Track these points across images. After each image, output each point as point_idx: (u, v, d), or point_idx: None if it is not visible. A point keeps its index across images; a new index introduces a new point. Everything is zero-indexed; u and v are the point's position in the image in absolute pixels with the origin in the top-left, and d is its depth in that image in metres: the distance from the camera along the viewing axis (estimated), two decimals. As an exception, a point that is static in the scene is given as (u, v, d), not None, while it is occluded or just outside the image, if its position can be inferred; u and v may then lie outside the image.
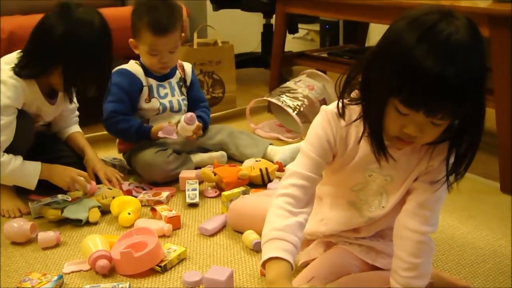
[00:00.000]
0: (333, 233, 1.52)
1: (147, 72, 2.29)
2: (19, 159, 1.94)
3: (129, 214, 1.89)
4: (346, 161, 1.39)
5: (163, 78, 2.33)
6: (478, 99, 1.17)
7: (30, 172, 1.96)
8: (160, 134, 2.19)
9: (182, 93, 2.39)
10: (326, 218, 1.52)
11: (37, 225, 1.85)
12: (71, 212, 1.90)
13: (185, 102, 2.39)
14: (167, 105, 2.31)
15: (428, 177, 1.35)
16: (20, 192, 2.05)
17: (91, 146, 2.25)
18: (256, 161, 2.26)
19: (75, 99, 2.23)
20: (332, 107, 1.36)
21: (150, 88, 2.28)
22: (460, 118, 1.21)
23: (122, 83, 2.24)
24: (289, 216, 1.31)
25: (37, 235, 1.80)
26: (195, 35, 3.12)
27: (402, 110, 1.17)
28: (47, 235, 1.79)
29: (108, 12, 2.56)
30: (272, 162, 2.30)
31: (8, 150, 1.93)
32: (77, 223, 1.90)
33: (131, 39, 2.27)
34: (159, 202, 2.02)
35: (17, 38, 2.57)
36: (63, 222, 1.91)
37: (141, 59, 2.30)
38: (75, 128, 2.29)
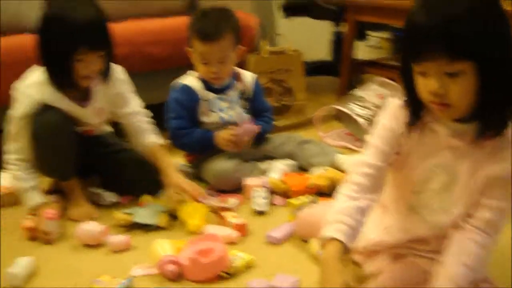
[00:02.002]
0: (398, 243, 1.49)
1: (206, 86, 2.29)
2: (29, 182, 1.99)
3: (196, 220, 1.91)
4: (411, 152, 1.40)
5: (222, 91, 2.32)
6: (483, 46, 1.19)
7: (27, 199, 1.99)
8: (239, 131, 2.20)
9: (242, 106, 2.38)
10: (389, 226, 1.50)
11: (108, 228, 1.89)
12: (140, 217, 1.94)
13: (246, 114, 2.37)
14: (227, 118, 2.31)
15: (499, 192, 1.32)
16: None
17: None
18: (324, 170, 2.23)
19: (138, 103, 2.20)
20: (398, 99, 1.40)
21: (209, 102, 2.28)
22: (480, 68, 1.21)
23: (180, 98, 2.26)
24: (348, 200, 1.37)
25: (108, 238, 1.84)
26: (265, 43, 3.13)
27: (416, 68, 1.26)
28: (117, 239, 1.83)
29: (180, 21, 2.62)
30: (340, 170, 2.28)
31: (51, 154, 2.00)
32: (147, 228, 1.93)
33: (187, 48, 2.27)
34: (227, 209, 2.03)
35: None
36: (134, 227, 1.95)
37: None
38: (151, 138, 2.18)
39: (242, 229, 1.87)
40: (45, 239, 1.90)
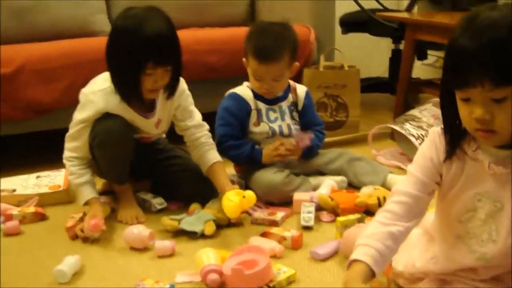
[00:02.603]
0: (445, 271, 1.45)
1: (257, 96, 2.29)
2: (82, 178, 2.04)
3: (233, 203, 1.90)
4: (453, 181, 1.37)
5: (273, 101, 2.32)
6: None
7: (80, 194, 2.06)
8: (298, 139, 2.22)
9: (293, 117, 2.37)
10: (435, 256, 1.46)
11: (155, 233, 1.91)
12: (187, 224, 1.95)
13: (296, 126, 2.37)
14: (277, 129, 2.31)
15: None
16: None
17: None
18: (375, 189, 2.21)
19: (200, 116, 2.23)
20: (440, 126, 1.38)
21: (259, 111, 2.29)
22: None
23: (230, 106, 2.27)
24: (379, 226, 1.36)
25: (154, 243, 1.86)
26: (322, 57, 3.12)
27: (458, 95, 1.23)
28: (163, 244, 1.85)
29: (240, 31, 2.64)
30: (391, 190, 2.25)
31: (110, 159, 2.06)
32: (193, 235, 1.94)
33: (244, 59, 2.28)
34: (274, 222, 2.03)
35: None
36: (180, 233, 1.96)
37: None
38: (212, 156, 2.17)
39: (297, 241, 1.87)
40: (84, 238, 1.95)
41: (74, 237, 1.97)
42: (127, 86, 1.97)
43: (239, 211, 1.93)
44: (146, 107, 2.09)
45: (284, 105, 2.35)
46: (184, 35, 2.68)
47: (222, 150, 2.24)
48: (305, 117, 2.41)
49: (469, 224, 1.37)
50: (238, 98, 2.28)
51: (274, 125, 2.31)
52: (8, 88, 2.47)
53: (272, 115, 2.31)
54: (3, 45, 2.62)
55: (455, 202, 1.38)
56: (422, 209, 1.39)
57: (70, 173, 2.07)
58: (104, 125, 2.00)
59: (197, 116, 2.22)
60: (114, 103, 2.00)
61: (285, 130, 2.32)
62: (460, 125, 1.29)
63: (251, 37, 2.23)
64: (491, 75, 1.15)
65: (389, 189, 2.25)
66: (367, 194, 2.15)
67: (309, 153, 2.36)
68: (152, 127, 2.14)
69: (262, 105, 2.30)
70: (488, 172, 1.31)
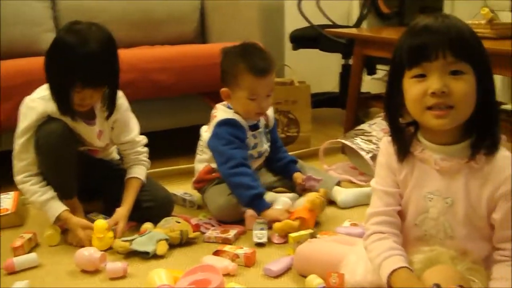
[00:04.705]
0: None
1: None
2: (46, 194, 2.01)
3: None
4: (405, 184, 1.42)
5: (256, 127, 2.30)
6: (478, 54, 1.29)
7: (49, 211, 2.02)
8: (306, 182, 2.21)
9: (268, 140, 2.37)
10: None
11: (106, 255, 1.89)
12: (139, 245, 1.93)
13: (269, 148, 2.39)
14: (256, 155, 2.31)
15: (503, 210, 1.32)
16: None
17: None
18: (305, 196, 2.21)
19: (138, 134, 2.22)
20: (389, 135, 1.44)
21: (247, 140, 2.27)
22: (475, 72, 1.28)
23: (234, 132, 2.20)
24: (382, 243, 1.40)
25: (105, 265, 1.83)
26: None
27: (412, 73, 1.29)
28: (115, 266, 1.82)
29: (189, 49, 2.64)
30: (335, 202, 2.32)
31: (54, 164, 2.00)
32: (145, 256, 1.92)
33: (223, 89, 2.23)
34: (227, 240, 2.02)
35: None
36: (132, 254, 1.94)
37: (234, 108, 2.25)
38: (134, 171, 2.20)
39: (250, 258, 1.87)
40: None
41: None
42: (59, 97, 1.97)
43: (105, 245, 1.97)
44: (87, 115, 2.08)
45: (261, 129, 2.34)
46: (134, 54, 2.68)
47: (238, 173, 2.14)
48: (273, 135, 2.42)
49: (423, 226, 1.42)
50: (237, 125, 2.22)
51: (254, 151, 2.30)
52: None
53: (253, 142, 2.29)
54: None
55: (408, 205, 1.43)
56: (399, 219, 1.44)
57: (31, 193, 2.02)
58: (45, 127, 1.98)
59: (134, 132, 2.22)
60: (54, 107, 1.99)
61: (263, 154, 2.34)
62: (406, 128, 1.38)
63: (236, 60, 2.20)
64: (453, 47, 1.25)
65: (333, 199, 2.33)
66: (300, 208, 2.13)
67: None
68: (94, 136, 2.12)
69: (249, 133, 2.27)
70: (434, 168, 1.36)
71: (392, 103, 1.38)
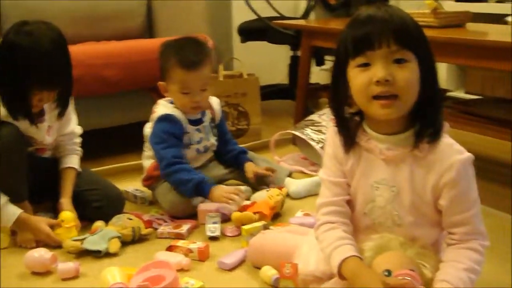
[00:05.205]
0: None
1: (186, 118, 2.25)
2: (2, 198, 1.95)
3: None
4: (351, 174, 1.44)
5: (198, 121, 2.29)
6: (421, 42, 1.32)
7: (5, 216, 1.97)
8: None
9: (214, 134, 2.37)
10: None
11: (57, 255, 1.86)
12: (90, 243, 1.90)
13: (217, 142, 2.38)
14: (202, 150, 2.31)
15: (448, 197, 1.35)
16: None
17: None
18: (267, 191, 2.24)
19: (77, 125, 2.22)
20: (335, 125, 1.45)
21: (189, 135, 2.26)
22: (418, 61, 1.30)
23: (169, 129, 2.20)
24: (332, 233, 1.41)
25: (57, 265, 1.80)
26: (221, 67, 3.14)
27: (359, 60, 1.30)
28: (66, 266, 1.79)
29: (136, 44, 2.61)
30: (287, 193, 2.32)
31: (5, 168, 1.95)
32: (97, 254, 1.90)
33: (160, 82, 2.24)
34: (180, 235, 2.02)
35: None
36: (83, 253, 1.91)
37: (174, 102, 2.25)
38: (70, 161, 2.20)
39: (204, 252, 1.86)
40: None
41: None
42: (13, 102, 1.94)
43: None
44: (37, 112, 2.05)
45: (207, 123, 2.33)
46: (80, 50, 2.63)
47: (172, 172, 2.17)
48: (221, 129, 2.42)
49: (372, 215, 1.44)
50: (173, 120, 2.21)
51: (200, 146, 2.30)
52: None
53: (198, 136, 2.29)
54: None
55: (356, 195, 1.45)
56: (348, 209, 1.46)
57: None
58: None
59: (74, 123, 2.23)
60: (3, 111, 1.95)
61: (209, 148, 2.34)
62: (351, 119, 1.40)
63: (169, 54, 2.20)
64: (396, 35, 1.27)
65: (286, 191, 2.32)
66: (261, 202, 2.15)
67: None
68: (44, 133, 2.10)
69: (191, 127, 2.26)
70: (380, 157, 1.38)
71: (337, 93, 1.40)
